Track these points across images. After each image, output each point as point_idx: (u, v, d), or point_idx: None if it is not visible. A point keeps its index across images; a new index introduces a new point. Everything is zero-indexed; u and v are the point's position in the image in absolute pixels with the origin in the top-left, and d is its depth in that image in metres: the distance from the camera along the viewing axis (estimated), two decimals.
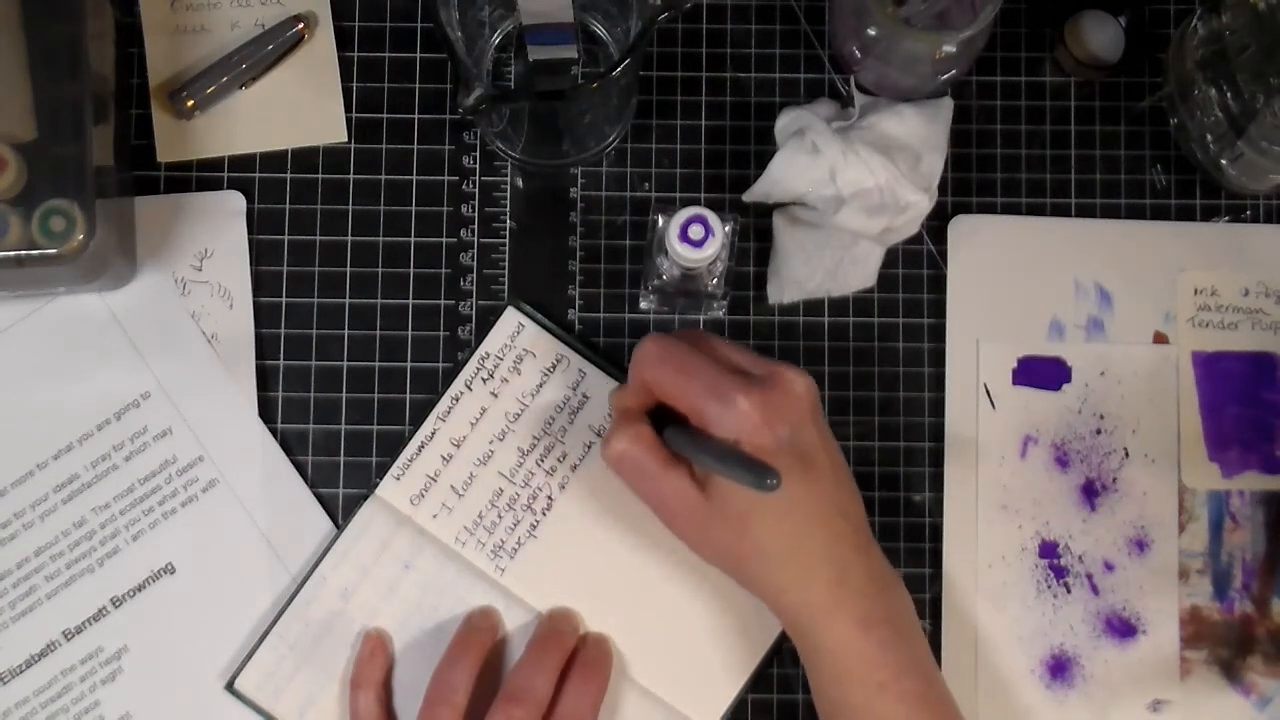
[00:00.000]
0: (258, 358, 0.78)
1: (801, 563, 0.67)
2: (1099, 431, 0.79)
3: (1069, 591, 0.78)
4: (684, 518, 0.69)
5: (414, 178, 0.80)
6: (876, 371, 0.79)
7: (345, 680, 0.75)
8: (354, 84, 0.80)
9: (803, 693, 0.77)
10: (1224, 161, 0.78)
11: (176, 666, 0.76)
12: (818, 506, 0.68)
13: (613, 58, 0.78)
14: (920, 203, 0.75)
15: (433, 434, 0.77)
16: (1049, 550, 0.78)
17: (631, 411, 0.69)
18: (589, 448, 0.77)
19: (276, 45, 0.79)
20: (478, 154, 0.80)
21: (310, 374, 0.78)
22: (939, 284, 0.80)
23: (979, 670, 0.77)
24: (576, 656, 0.74)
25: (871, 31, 0.74)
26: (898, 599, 0.69)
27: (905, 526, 0.78)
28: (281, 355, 0.79)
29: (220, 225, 0.79)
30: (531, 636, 0.75)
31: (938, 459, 0.79)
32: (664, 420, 0.69)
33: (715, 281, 0.75)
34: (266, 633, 0.76)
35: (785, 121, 0.77)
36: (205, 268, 0.78)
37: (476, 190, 0.80)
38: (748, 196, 0.77)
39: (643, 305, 0.79)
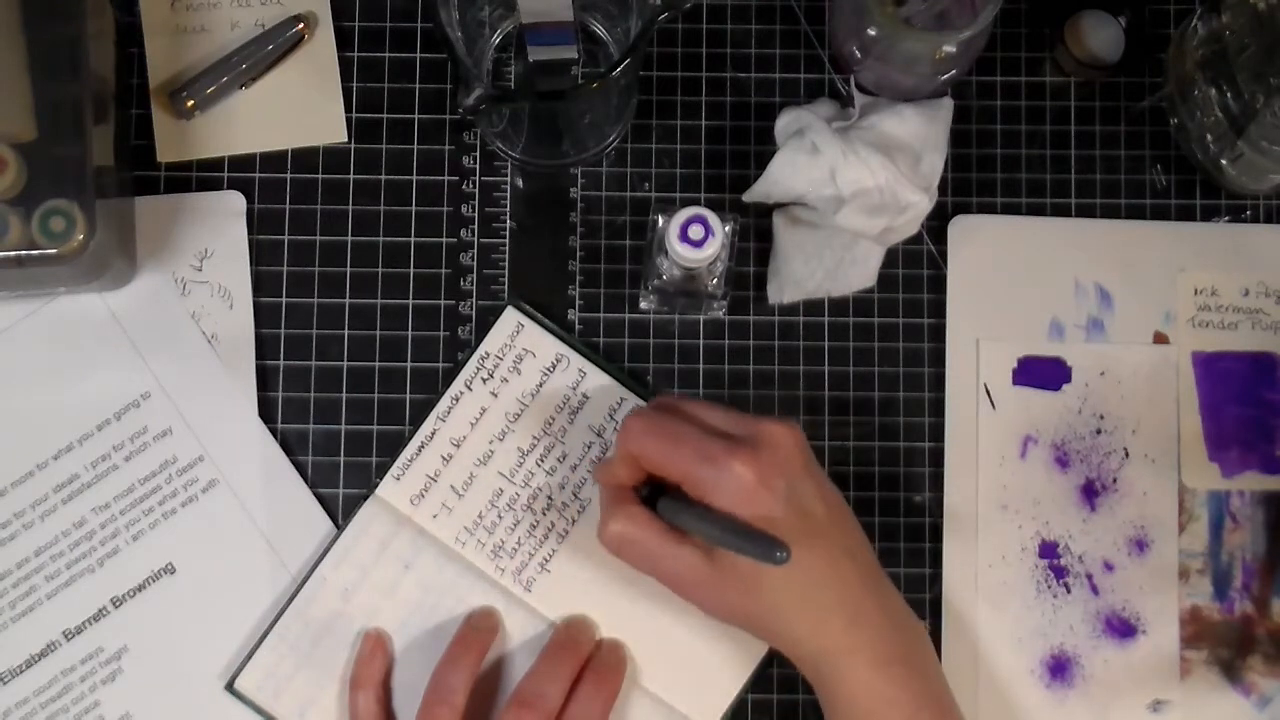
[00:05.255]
0: (258, 358, 0.78)
1: (815, 613, 0.68)
2: (1099, 431, 0.79)
3: (1069, 591, 0.78)
4: (695, 587, 0.69)
5: (414, 178, 0.80)
6: (876, 371, 0.79)
7: (345, 680, 0.75)
8: (354, 84, 0.80)
9: (803, 692, 0.77)
10: (1224, 161, 0.78)
11: (176, 666, 0.76)
12: (825, 557, 0.68)
13: (613, 58, 0.78)
14: (920, 203, 0.75)
15: (433, 434, 0.77)
16: (1049, 550, 0.78)
17: (623, 490, 0.70)
18: (589, 448, 0.77)
19: (276, 45, 0.79)
20: (478, 154, 0.80)
21: (310, 374, 0.78)
22: (939, 284, 0.80)
23: (979, 670, 0.77)
24: (590, 662, 0.74)
25: (871, 31, 0.74)
26: (913, 636, 0.70)
27: (905, 526, 0.78)
28: (281, 355, 0.78)
29: (220, 225, 0.79)
30: (547, 642, 0.75)
31: (938, 459, 0.79)
32: (655, 491, 0.69)
33: (715, 281, 0.75)
34: (266, 633, 0.76)
35: (785, 121, 0.77)
36: (205, 268, 0.78)
37: (476, 190, 0.80)
38: (748, 196, 0.77)
39: (643, 305, 0.79)
